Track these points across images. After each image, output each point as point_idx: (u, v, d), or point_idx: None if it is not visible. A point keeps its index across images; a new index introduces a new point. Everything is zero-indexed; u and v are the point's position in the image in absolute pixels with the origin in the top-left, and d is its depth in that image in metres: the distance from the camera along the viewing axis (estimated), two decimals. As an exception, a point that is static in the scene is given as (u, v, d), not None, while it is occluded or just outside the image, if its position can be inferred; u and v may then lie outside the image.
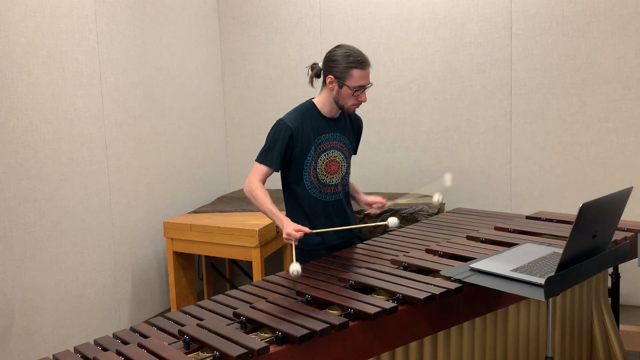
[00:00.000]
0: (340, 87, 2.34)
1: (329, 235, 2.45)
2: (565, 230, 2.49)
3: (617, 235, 2.40)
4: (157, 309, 3.85)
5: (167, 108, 3.93)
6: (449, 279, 1.93)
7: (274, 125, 2.40)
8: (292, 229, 2.20)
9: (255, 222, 3.42)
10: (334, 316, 1.67)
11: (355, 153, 2.65)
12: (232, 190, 4.66)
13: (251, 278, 3.84)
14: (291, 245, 2.22)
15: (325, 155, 2.43)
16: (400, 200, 2.80)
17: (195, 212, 3.89)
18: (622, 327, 3.18)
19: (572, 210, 3.59)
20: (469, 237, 2.46)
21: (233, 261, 4.29)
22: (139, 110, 3.65)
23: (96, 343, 1.66)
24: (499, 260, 1.97)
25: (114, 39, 3.43)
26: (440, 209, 3.60)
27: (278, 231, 3.51)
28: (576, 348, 2.46)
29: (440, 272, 1.97)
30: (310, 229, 2.26)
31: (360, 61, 2.31)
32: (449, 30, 3.94)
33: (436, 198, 2.48)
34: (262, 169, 2.37)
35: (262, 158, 2.38)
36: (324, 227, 2.41)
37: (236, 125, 4.59)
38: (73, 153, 3.13)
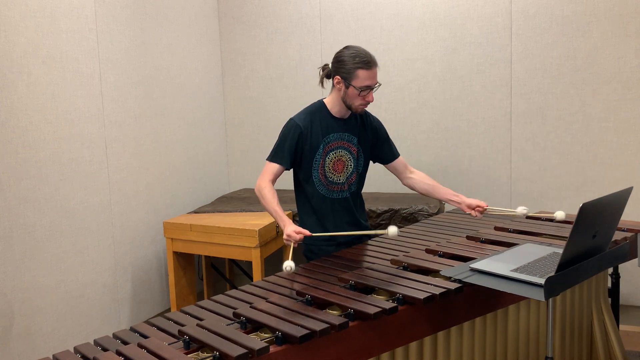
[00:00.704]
0: (347, 87, 2.38)
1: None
2: (565, 230, 2.49)
3: (617, 235, 2.40)
4: (157, 309, 3.85)
5: (167, 108, 3.93)
6: (449, 279, 1.93)
7: (285, 125, 2.47)
8: (292, 231, 2.21)
9: (255, 222, 3.42)
10: (334, 316, 1.66)
11: (396, 155, 2.64)
12: (232, 190, 4.66)
13: (251, 278, 3.84)
14: (290, 246, 2.23)
15: (333, 154, 2.47)
16: (502, 208, 2.71)
17: (195, 212, 3.89)
18: (622, 327, 3.18)
19: (572, 210, 3.59)
20: (469, 237, 2.46)
21: (233, 261, 4.29)
22: (139, 110, 3.65)
23: (96, 343, 1.66)
24: (499, 260, 1.97)
25: (114, 39, 3.43)
26: (440, 209, 3.60)
27: (278, 231, 3.51)
28: (576, 348, 2.46)
29: (440, 272, 1.97)
30: (318, 225, 2.36)
31: (366, 62, 2.34)
32: (449, 30, 3.94)
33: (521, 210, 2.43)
34: (273, 167, 2.43)
35: (272, 156, 2.45)
36: (332, 223, 2.48)
37: (236, 125, 4.59)
38: (73, 153, 3.13)
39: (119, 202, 3.48)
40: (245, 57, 4.49)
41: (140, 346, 1.57)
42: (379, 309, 1.70)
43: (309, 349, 1.58)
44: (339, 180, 2.50)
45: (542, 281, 1.66)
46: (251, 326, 1.68)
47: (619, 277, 2.70)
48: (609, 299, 2.65)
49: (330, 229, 2.47)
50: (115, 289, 3.47)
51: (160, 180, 3.87)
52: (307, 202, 2.50)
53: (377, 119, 2.63)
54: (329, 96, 2.49)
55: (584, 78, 3.68)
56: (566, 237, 1.77)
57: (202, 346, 1.56)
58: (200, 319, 1.74)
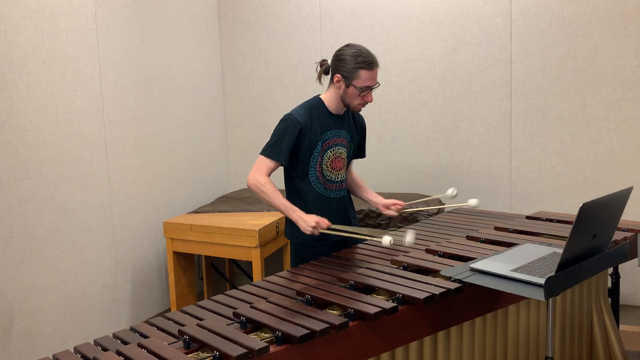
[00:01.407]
0: (347, 86, 2.35)
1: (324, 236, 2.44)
2: (565, 230, 2.49)
3: (617, 235, 2.40)
4: (157, 309, 3.85)
5: (167, 108, 3.93)
6: (449, 279, 1.93)
7: (281, 120, 2.40)
8: (318, 219, 2.24)
9: (255, 222, 3.42)
10: (334, 316, 1.66)
11: (363, 155, 2.67)
12: (232, 190, 4.66)
13: (251, 278, 3.84)
14: (317, 232, 2.26)
15: (331, 152, 2.44)
16: (418, 201, 2.82)
17: (195, 212, 3.89)
18: (622, 327, 3.18)
19: (572, 210, 3.59)
20: (469, 237, 2.46)
21: (233, 261, 4.29)
22: (139, 110, 3.65)
23: (96, 343, 1.66)
24: (499, 260, 1.97)
25: (114, 39, 3.43)
26: (440, 209, 3.60)
27: (278, 231, 3.51)
28: (576, 348, 2.46)
29: (440, 272, 1.97)
30: None
31: (368, 62, 2.32)
32: (449, 30, 3.94)
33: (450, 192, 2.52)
34: (269, 163, 2.36)
35: (268, 152, 2.37)
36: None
37: (236, 125, 4.59)
38: (73, 153, 3.13)
39: (119, 202, 3.48)
40: (245, 57, 4.49)
41: (140, 346, 1.57)
42: (379, 309, 1.70)
43: (309, 349, 1.58)
44: (337, 178, 2.48)
45: (542, 281, 1.66)
46: (251, 326, 1.68)
47: (619, 277, 2.70)
48: (609, 299, 2.65)
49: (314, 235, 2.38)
50: (115, 289, 3.47)
51: (160, 180, 3.87)
52: (300, 200, 2.43)
53: (363, 118, 2.62)
54: (326, 92, 2.46)
55: (584, 78, 3.68)
56: (566, 237, 1.77)
57: (202, 346, 1.57)
58: (200, 319, 1.74)
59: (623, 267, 2.83)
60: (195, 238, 3.48)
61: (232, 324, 1.70)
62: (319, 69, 2.49)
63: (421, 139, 4.09)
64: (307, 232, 2.26)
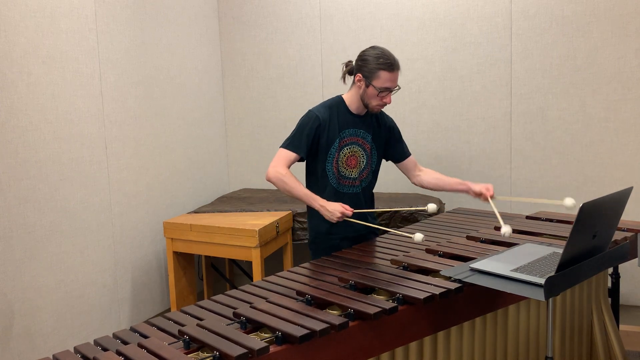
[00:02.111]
0: (367, 86, 2.44)
1: (345, 227, 2.50)
2: (565, 230, 2.49)
3: (617, 235, 2.40)
4: (157, 309, 3.85)
5: (167, 108, 3.93)
6: (449, 279, 1.93)
7: (303, 116, 2.51)
8: (340, 206, 2.33)
9: (255, 222, 3.42)
10: (334, 316, 1.66)
11: (408, 154, 2.71)
12: (232, 190, 4.66)
13: (251, 278, 3.84)
14: (346, 219, 2.35)
15: (347, 149, 2.52)
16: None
17: (195, 212, 3.89)
18: (622, 327, 3.18)
19: (572, 210, 3.59)
20: (469, 237, 2.46)
21: (233, 261, 4.29)
22: (139, 110, 3.65)
23: (96, 343, 1.66)
24: (499, 260, 1.97)
25: (114, 39, 3.43)
26: (440, 209, 3.60)
27: (278, 231, 3.51)
28: (576, 348, 2.46)
29: (440, 272, 1.97)
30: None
31: (389, 64, 2.41)
32: (449, 30, 3.94)
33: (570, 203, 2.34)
34: (288, 155, 2.45)
35: (288, 144, 2.47)
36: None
37: (236, 125, 4.59)
38: (73, 153, 3.13)
39: (119, 202, 3.48)
40: (245, 57, 4.49)
41: (140, 346, 1.57)
42: (379, 309, 1.70)
43: (309, 349, 1.58)
44: (352, 175, 2.55)
45: (542, 281, 1.66)
46: (251, 326, 1.68)
47: (619, 277, 2.70)
48: (609, 299, 2.65)
49: (342, 222, 2.45)
50: (115, 289, 3.47)
51: (160, 180, 3.87)
52: (317, 193, 2.50)
53: (391, 118, 2.71)
54: (348, 92, 2.56)
55: (584, 78, 3.68)
56: (566, 237, 1.77)
57: (202, 346, 1.57)
58: (200, 319, 1.74)
59: (623, 267, 2.83)
60: (195, 238, 3.48)
61: (232, 324, 1.70)
62: (344, 69, 2.59)
63: (421, 139, 4.08)
64: (333, 220, 2.35)
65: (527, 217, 2.84)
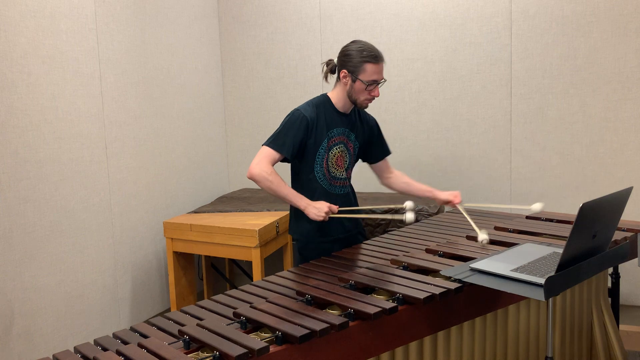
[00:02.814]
0: (354, 81, 2.37)
1: (335, 229, 2.48)
2: (565, 230, 2.49)
3: (617, 235, 2.40)
4: (157, 309, 3.85)
5: (167, 108, 3.93)
6: (449, 279, 1.93)
7: (289, 114, 2.43)
8: (326, 205, 2.29)
9: (255, 222, 3.42)
10: (334, 316, 1.66)
11: (388, 152, 2.70)
12: (232, 190, 4.66)
13: (251, 278, 3.84)
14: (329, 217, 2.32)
15: (337, 149, 2.48)
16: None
17: (195, 212, 3.89)
18: (622, 327, 3.18)
19: (572, 210, 3.59)
20: (469, 237, 2.46)
21: (233, 261, 4.29)
22: (139, 110, 3.65)
23: (96, 343, 1.66)
24: (499, 260, 1.97)
25: (114, 39, 3.43)
26: (440, 209, 3.60)
27: (278, 231, 3.51)
28: (576, 348, 2.46)
29: (440, 272, 1.97)
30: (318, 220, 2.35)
31: (373, 56, 2.35)
32: (449, 30, 3.94)
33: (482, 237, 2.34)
34: (272, 153, 2.36)
35: (272, 143, 2.37)
36: (333, 218, 2.41)
37: (236, 125, 4.59)
38: (73, 153, 3.13)
39: (119, 202, 3.48)
40: (245, 57, 4.50)
41: (140, 346, 1.57)
42: (379, 309, 1.70)
43: (309, 349, 1.58)
44: (341, 175, 2.52)
45: (542, 281, 1.66)
46: (251, 326, 1.68)
47: (619, 277, 2.70)
48: (609, 299, 2.65)
49: (332, 224, 2.44)
50: (115, 289, 3.47)
51: (160, 180, 3.87)
52: (306, 195, 2.44)
53: (372, 117, 2.64)
54: (333, 91, 2.49)
55: (584, 78, 3.68)
56: (566, 237, 1.77)
57: (202, 346, 1.57)
58: (200, 319, 1.74)
59: (623, 267, 2.83)
60: (195, 238, 3.48)
61: (232, 324, 1.70)
62: (325, 68, 2.52)
63: (421, 139, 4.09)
64: (319, 219, 2.29)
65: (527, 217, 2.84)
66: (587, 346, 2.52)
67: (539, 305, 2.21)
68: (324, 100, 2.48)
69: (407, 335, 1.78)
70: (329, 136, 2.44)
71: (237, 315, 1.72)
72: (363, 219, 3.48)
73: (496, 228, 2.60)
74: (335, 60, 2.47)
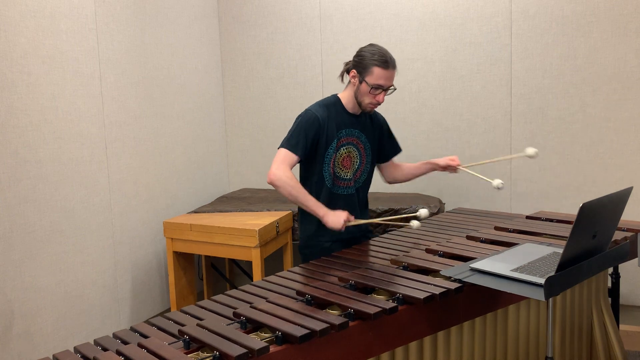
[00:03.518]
0: (360, 82, 2.40)
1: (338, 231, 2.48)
2: (565, 230, 2.49)
3: (617, 235, 2.40)
4: (157, 309, 3.85)
5: (167, 108, 3.93)
6: (449, 279, 1.93)
7: (301, 115, 2.44)
8: (345, 214, 2.31)
9: (255, 222, 3.42)
10: (334, 316, 1.67)
11: (399, 149, 2.75)
12: (232, 190, 4.66)
13: (251, 278, 3.84)
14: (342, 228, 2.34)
15: (344, 150, 2.49)
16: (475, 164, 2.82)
17: (195, 212, 3.89)
18: (622, 327, 3.18)
19: (572, 210, 3.59)
20: (469, 237, 2.46)
21: (233, 261, 4.29)
22: (139, 110, 3.65)
23: (96, 343, 1.66)
24: (499, 260, 1.97)
25: (114, 39, 3.43)
26: (440, 208, 3.60)
27: (278, 231, 3.51)
28: (576, 348, 2.46)
29: (440, 272, 1.97)
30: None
31: (383, 60, 2.36)
32: (449, 30, 3.94)
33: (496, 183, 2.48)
34: (290, 156, 2.36)
35: (291, 146, 2.38)
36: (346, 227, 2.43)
37: (236, 125, 4.59)
38: (73, 153, 3.13)
39: (119, 202, 3.48)
40: (245, 57, 4.50)
41: (140, 346, 1.57)
42: (379, 309, 1.70)
43: (309, 349, 1.58)
44: (346, 176, 2.52)
45: (542, 281, 1.66)
46: (251, 326, 1.68)
47: (619, 277, 2.70)
48: (609, 299, 2.65)
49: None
50: (115, 289, 3.47)
51: (160, 180, 3.87)
52: (312, 194, 2.45)
53: (382, 116, 2.67)
54: (344, 91, 2.51)
55: (584, 78, 3.68)
56: (566, 237, 1.77)
57: (202, 346, 1.57)
58: (200, 319, 1.74)
59: (623, 267, 2.83)
60: (195, 238, 3.48)
61: (232, 324, 1.70)
62: (344, 67, 2.55)
63: (421, 139, 4.08)
64: (337, 228, 2.30)
65: (527, 217, 2.84)
66: (587, 346, 2.52)
67: (539, 305, 2.21)
68: (334, 100, 2.50)
69: (407, 335, 1.78)
70: (339, 137, 2.46)
71: (237, 315, 1.72)
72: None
73: (496, 228, 2.60)
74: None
